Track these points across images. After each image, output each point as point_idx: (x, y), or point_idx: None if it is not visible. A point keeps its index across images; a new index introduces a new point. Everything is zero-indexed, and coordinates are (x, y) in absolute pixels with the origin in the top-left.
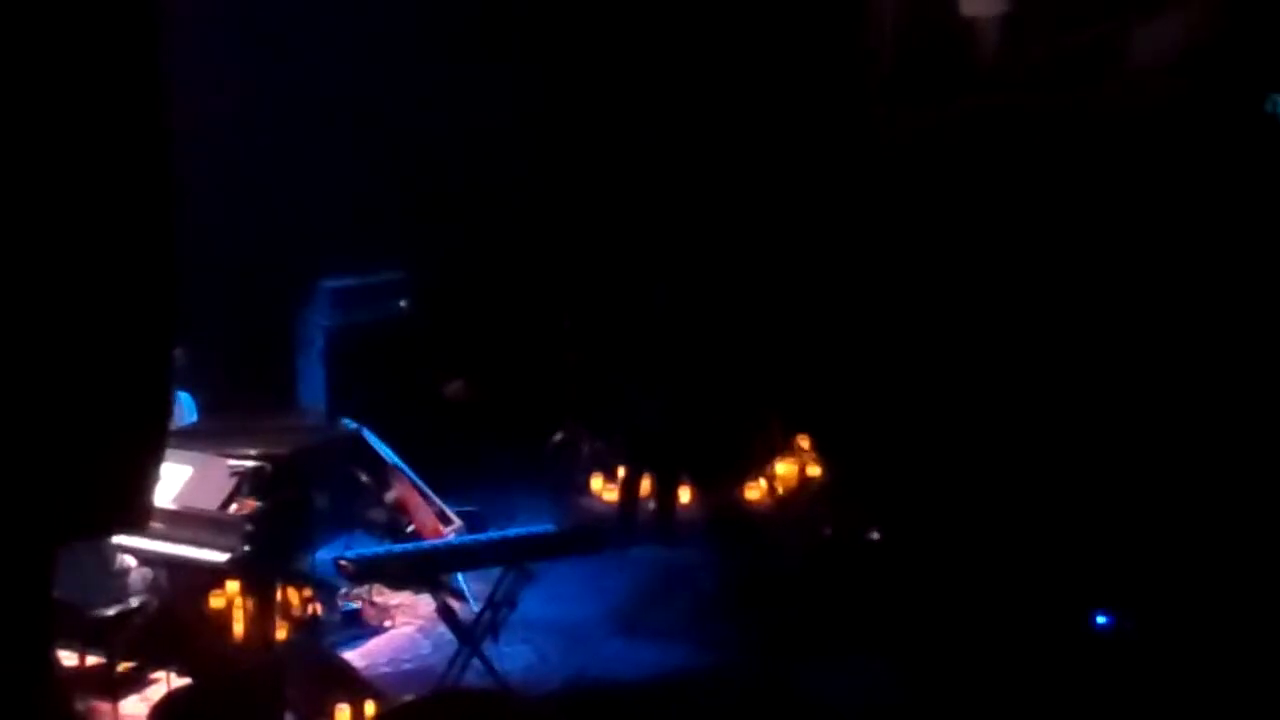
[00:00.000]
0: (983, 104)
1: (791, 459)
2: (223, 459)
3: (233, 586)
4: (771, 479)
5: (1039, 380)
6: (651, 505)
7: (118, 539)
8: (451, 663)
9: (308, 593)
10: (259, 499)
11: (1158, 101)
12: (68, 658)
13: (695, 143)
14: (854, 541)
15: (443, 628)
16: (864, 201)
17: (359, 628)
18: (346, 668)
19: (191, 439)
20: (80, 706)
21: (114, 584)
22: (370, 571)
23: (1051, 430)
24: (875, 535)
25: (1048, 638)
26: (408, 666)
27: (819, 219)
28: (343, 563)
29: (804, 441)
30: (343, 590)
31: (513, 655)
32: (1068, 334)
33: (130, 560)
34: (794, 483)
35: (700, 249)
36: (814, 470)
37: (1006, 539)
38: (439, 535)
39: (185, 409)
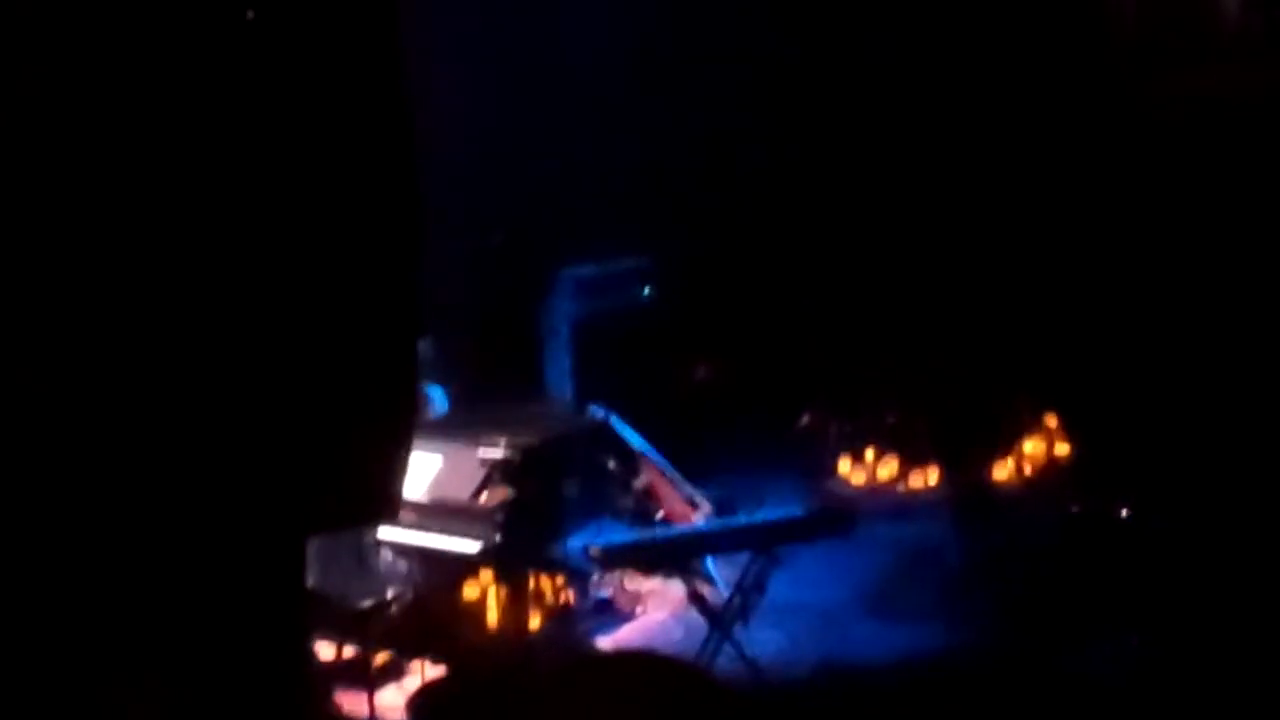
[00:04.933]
0: (1226, 75)
1: (1039, 437)
2: (472, 449)
3: (486, 576)
4: (1019, 458)
5: None
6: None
7: (372, 531)
8: (703, 647)
9: (560, 581)
10: (509, 488)
11: None
12: (325, 649)
13: (937, 122)
14: (1103, 519)
15: (694, 613)
16: (1118, 176)
17: (611, 615)
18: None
19: (441, 430)
20: (337, 698)
21: (369, 576)
22: (620, 558)
23: None
24: (1125, 513)
25: None
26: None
27: (1071, 195)
28: (593, 550)
29: (1051, 420)
30: (594, 578)
31: (763, 640)
32: None
33: (385, 552)
34: (1042, 461)
35: (949, 230)
36: (1062, 448)
37: (1262, 515)
38: (688, 520)
39: (436, 401)
